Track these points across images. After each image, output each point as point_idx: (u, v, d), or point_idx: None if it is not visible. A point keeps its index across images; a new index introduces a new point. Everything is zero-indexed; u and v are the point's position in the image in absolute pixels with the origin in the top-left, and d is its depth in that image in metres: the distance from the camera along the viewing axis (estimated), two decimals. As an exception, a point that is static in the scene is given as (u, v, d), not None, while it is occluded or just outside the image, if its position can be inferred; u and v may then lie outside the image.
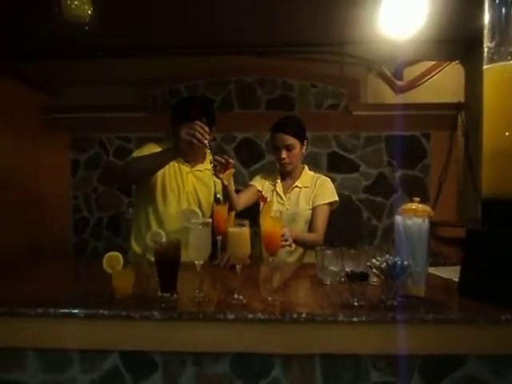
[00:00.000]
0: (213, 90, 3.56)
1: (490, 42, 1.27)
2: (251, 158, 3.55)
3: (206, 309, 1.21)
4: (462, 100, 3.44)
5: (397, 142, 3.51)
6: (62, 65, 3.43)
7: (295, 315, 1.14)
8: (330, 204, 2.03)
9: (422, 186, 3.51)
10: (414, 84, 3.69)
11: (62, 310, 1.19)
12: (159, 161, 1.78)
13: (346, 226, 3.47)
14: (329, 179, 2.10)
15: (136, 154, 1.89)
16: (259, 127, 3.33)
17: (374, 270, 1.21)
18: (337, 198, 2.04)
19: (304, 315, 1.14)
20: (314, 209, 2.01)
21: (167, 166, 1.91)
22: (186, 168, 1.97)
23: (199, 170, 1.98)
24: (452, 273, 1.55)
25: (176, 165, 1.95)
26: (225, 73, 3.57)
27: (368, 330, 1.16)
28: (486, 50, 1.28)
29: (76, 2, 1.97)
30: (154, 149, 1.89)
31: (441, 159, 3.47)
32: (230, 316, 1.15)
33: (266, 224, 1.28)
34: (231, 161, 1.73)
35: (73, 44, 3.19)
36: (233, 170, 1.75)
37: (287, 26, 3.01)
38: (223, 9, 2.74)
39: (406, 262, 1.20)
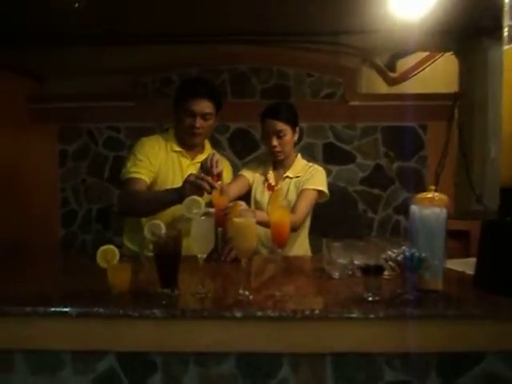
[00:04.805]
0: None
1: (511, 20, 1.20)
2: (245, 148, 3.46)
3: (211, 306, 1.12)
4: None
5: (393, 132, 3.45)
6: (49, 53, 3.29)
7: (308, 312, 1.06)
8: (318, 193, 1.88)
9: (419, 177, 3.46)
10: (406, 76, 3.63)
11: (52, 309, 1.09)
12: (159, 206, 1.65)
13: (342, 218, 3.41)
14: (322, 169, 1.96)
15: (131, 163, 1.76)
16: (253, 117, 3.17)
17: (389, 262, 1.13)
18: (326, 191, 1.90)
19: (317, 312, 1.06)
20: (299, 192, 1.86)
21: (166, 159, 1.82)
22: (186, 160, 1.87)
23: (199, 162, 1.87)
24: (463, 265, 1.49)
25: (175, 157, 1.85)
26: (218, 61, 3.46)
27: (384, 327, 1.09)
28: (506, 29, 1.21)
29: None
30: (151, 149, 1.79)
31: (438, 150, 3.42)
32: (238, 314, 1.06)
33: (274, 214, 1.19)
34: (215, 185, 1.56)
35: (61, 31, 3.07)
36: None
37: (281, 14, 2.93)
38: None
39: (423, 254, 1.12)
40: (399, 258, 1.11)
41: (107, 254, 1.20)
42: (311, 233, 2.03)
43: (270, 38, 3.34)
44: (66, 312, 1.08)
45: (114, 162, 3.44)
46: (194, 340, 1.10)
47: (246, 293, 1.17)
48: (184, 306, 1.10)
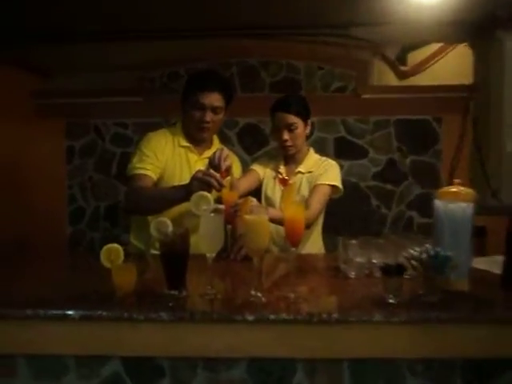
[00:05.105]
0: (214, 73, 3.37)
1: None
2: (254, 144, 3.38)
3: (220, 308, 1.05)
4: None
5: (407, 126, 3.36)
6: (55, 48, 3.24)
7: (325, 315, 0.99)
8: (332, 188, 1.81)
9: (434, 172, 3.35)
10: (418, 69, 3.52)
11: (54, 312, 1.03)
12: (166, 204, 1.59)
13: (354, 214, 3.33)
14: (336, 164, 1.88)
15: (137, 159, 1.71)
16: (263, 112, 3.10)
17: (412, 261, 1.05)
18: (340, 186, 1.82)
19: (336, 315, 0.99)
20: (313, 188, 1.79)
21: (173, 154, 1.75)
22: (193, 156, 1.80)
23: (208, 157, 1.80)
24: (487, 264, 1.41)
25: (183, 152, 1.78)
26: (226, 54, 3.38)
27: (407, 331, 1.02)
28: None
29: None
30: (158, 144, 1.73)
31: (453, 144, 3.31)
32: (250, 317, 0.99)
33: (288, 210, 1.12)
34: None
35: (67, 27, 3.01)
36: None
37: (291, 7, 2.83)
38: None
39: (449, 253, 1.04)
40: (423, 257, 1.03)
41: (111, 254, 1.14)
42: (323, 230, 1.95)
43: (279, 32, 3.26)
44: (69, 315, 1.03)
45: (122, 159, 3.38)
46: (203, 344, 1.04)
47: (258, 294, 1.11)
48: (192, 309, 1.04)
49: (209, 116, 1.69)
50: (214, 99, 1.68)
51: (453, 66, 3.39)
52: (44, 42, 3.18)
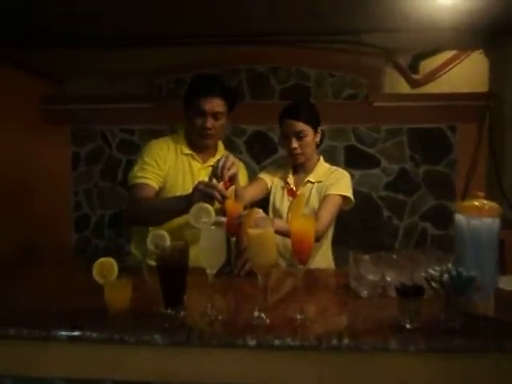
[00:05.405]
0: (222, 80, 3.31)
1: None
2: (263, 152, 3.31)
3: (221, 331, 0.96)
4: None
5: (420, 135, 3.25)
6: (63, 54, 3.23)
7: (335, 341, 0.89)
8: (343, 199, 1.71)
9: (448, 182, 3.24)
10: (431, 77, 3.43)
11: (38, 332, 0.95)
12: (166, 215, 1.52)
13: (365, 225, 3.23)
14: (347, 173, 1.80)
15: (138, 167, 1.65)
16: (272, 119, 3.03)
17: (432, 282, 0.96)
18: (351, 197, 1.73)
19: (346, 341, 0.89)
20: (322, 198, 1.70)
21: (175, 162, 1.68)
22: (197, 164, 1.72)
23: (212, 166, 1.72)
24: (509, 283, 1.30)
25: (185, 160, 1.70)
26: (235, 61, 3.32)
27: (426, 361, 0.91)
28: None
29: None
30: (160, 151, 1.66)
31: (468, 154, 3.21)
32: (251, 342, 0.90)
33: (296, 223, 1.02)
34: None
35: (75, 33, 3.01)
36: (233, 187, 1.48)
37: (302, 14, 2.79)
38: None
39: (472, 273, 0.94)
40: (444, 278, 0.93)
41: (104, 268, 1.06)
42: (332, 243, 1.86)
43: (290, 38, 3.20)
44: (56, 336, 0.94)
45: (128, 166, 3.32)
46: (200, 370, 0.95)
47: (262, 315, 1.01)
48: (189, 331, 0.95)
49: (210, 122, 1.62)
50: (216, 105, 1.61)
51: (467, 73, 3.30)
52: (54, 47, 3.17)
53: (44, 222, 3.30)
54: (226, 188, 1.43)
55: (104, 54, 3.23)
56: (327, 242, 1.79)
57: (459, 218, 1.02)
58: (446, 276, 0.94)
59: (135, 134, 3.38)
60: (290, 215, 1.06)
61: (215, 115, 1.62)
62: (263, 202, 1.82)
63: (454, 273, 0.94)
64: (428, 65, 3.40)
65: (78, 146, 3.43)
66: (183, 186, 1.64)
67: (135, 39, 3.17)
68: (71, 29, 2.92)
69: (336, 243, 1.90)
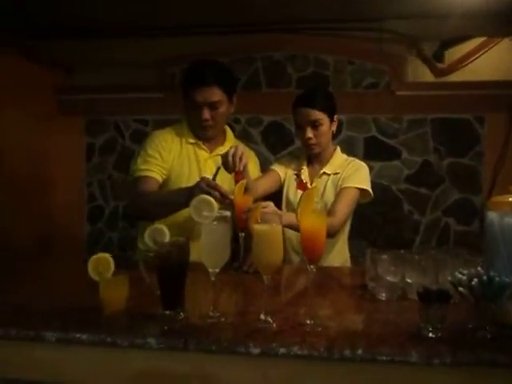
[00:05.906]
0: (238, 68, 3.20)
1: None
2: (279, 143, 3.21)
3: (222, 336, 0.87)
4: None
5: (445, 125, 3.09)
6: (77, 45, 3.20)
7: (347, 351, 0.80)
8: (361, 192, 1.62)
9: (475, 175, 3.08)
10: (456, 66, 3.25)
11: (27, 332, 0.88)
12: (169, 209, 1.47)
13: (384, 219, 3.10)
14: (365, 165, 1.70)
15: (141, 160, 1.59)
16: (289, 109, 2.95)
17: (460, 288, 0.85)
18: (370, 190, 1.63)
19: (360, 352, 0.80)
20: (339, 191, 1.60)
21: (180, 152, 1.61)
22: (203, 153, 1.64)
23: (220, 155, 1.63)
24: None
25: (191, 149, 1.62)
26: (251, 49, 3.22)
27: (452, 376, 0.81)
28: None
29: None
30: (163, 142, 1.60)
31: (497, 146, 3.03)
32: (255, 350, 0.81)
33: (306, 220, 0.93)
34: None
35: (88, 24, 2.98)
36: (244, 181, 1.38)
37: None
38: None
39: (506, 279, 0.83)
40: (473, 283, 0.82)
41: (100, 265, 0.98)
42: (348, 237, 1.76)
43: (308, 26, 3.08)
44: (44, 336, 0.88)
45: (141, 157, 3.28)
46: (196, 379, 0.87)
47: (269, 319, 0.93)
48: (188, 335, 0.86)
49: (206, 113, 1.53)
50: (210, 94, 1.52)
51: (496, 62, 3.12)
52: (67, 37, 3.14)
53: (58, 213, 3.29)
54: (238, 179, 1.34)
55: (116, 44, 3.19)
56: (343, 238, 1.69)
57: (491, 215, 0.90)
58: (475, 281, 0.83)
59: (149, 124, 3.31)
60: (299, 210, 0.95)
61: (212, 105, 1.53)
62: (276, 195, 1.73)
63: (485, 278, 0.83)
64: (453, 53, 3.23)
65: (92, 137, 3.39)
66: (189, 177, 1.57)
67: (147, 29, 3.11)
68: (84, 19, 2.89)
69: (354, 237, 1.80)
